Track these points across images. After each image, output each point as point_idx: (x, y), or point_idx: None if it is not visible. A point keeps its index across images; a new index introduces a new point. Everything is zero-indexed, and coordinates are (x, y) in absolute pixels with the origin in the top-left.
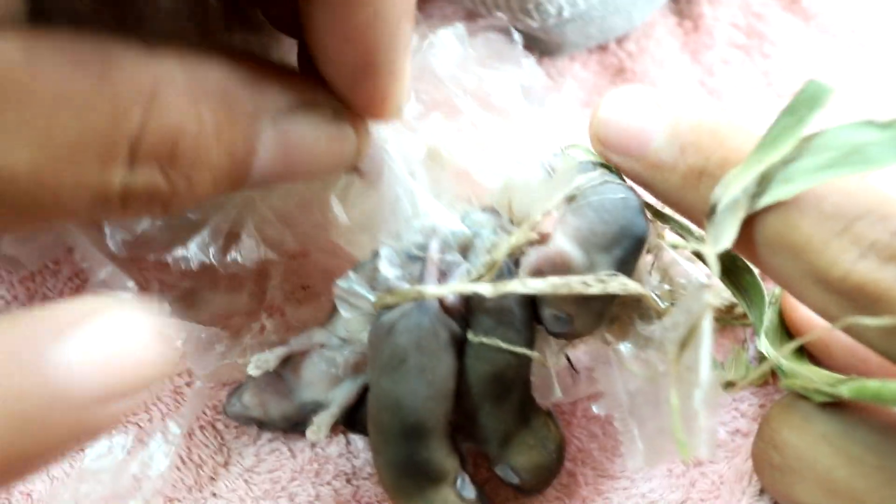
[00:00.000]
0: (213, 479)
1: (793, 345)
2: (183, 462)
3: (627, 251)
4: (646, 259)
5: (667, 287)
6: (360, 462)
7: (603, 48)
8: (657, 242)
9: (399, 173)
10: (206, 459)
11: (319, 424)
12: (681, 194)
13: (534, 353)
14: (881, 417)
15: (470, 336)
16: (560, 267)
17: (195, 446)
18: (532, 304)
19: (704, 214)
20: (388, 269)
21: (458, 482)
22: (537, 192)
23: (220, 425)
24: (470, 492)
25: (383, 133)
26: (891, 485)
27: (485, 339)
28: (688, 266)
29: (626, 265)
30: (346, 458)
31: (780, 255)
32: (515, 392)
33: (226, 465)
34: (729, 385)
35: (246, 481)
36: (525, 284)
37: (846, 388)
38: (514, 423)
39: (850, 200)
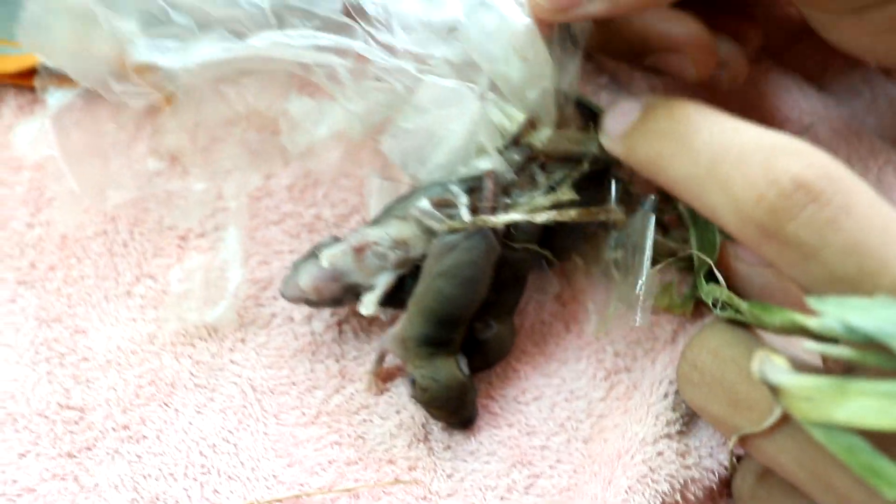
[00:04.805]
0: (231, 350)
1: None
2: (209, 334)
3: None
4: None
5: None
6: (348, 347)
7: None
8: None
9: (464, 118)
10: (228, 335)
11: (368, 302)
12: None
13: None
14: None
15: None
16: None
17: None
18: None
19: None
20: (466, 214)
21: (458, 359)
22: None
23: (242, 312)
24: (465, 368)
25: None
26: None
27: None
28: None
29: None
30: (337, 343)
31: (707, 195)
32: (521, 283)
33: (243, 340)
34: (655, 308)
35: (257, 353)
36: (561, 214)
37: (742, 303)
38: (510, 305)
39: (764, 139)
